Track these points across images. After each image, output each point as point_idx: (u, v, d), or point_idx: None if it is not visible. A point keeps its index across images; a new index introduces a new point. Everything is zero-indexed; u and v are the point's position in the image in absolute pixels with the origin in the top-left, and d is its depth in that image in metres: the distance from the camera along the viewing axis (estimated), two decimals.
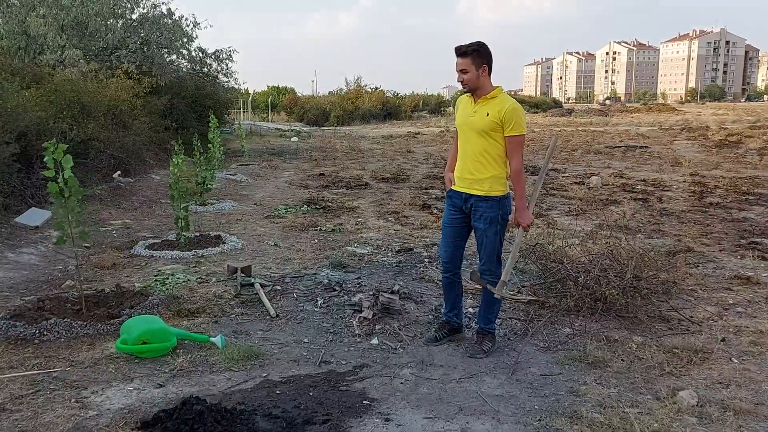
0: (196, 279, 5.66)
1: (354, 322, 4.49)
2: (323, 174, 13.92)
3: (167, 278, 5.66)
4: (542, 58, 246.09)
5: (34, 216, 7.68)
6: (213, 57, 20.73)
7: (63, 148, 4.54)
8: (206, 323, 4.51)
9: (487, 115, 3.80)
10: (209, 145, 13.22)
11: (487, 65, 3.83)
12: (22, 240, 6.93)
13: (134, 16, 15.26)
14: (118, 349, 3.83)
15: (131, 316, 4.44)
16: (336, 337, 4.28)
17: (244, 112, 47.46)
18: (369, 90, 54.53)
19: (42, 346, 4.03)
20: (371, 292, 4.87)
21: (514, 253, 3.90)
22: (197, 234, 7.50)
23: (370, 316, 4.49)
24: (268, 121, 45.01)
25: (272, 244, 7.15)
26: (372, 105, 48.80)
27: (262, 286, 5.41)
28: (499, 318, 4.33)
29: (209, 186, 9.83)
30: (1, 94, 7.47)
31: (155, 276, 5.75)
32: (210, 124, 13.06)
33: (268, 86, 62.66)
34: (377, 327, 4.40)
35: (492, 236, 3.91)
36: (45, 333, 4.16)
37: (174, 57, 16.11)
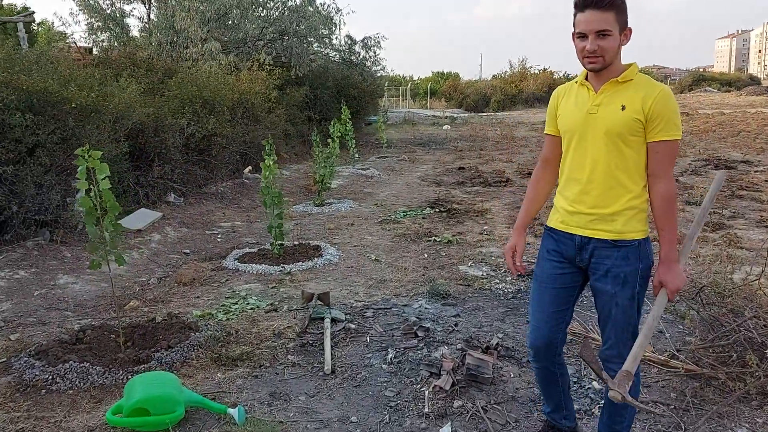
0: (267, 305, 4.81)
1: (426, 393, 3.31)
2: (463, 168, 12.68)
3: (235, 303, 4.87)
4: (738, 30, 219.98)
5: (140, 218, 7.39)
6: (361, 44, 20.22)
7: (97, 155, 3.83)
8: (244, 376, 3.59)
9: (623, 108, 2.36)
10: (346, 137, 12.60)
11: (629, 29, 2.43)
12: (119, 245, 6.58)
13: (274, 5, 15.04)
14: (108, 422, 3.02)
15: (158, 363, 3.67)
16: (396, 416, 3.15)
17: (403, 99, 47.30)
18: (535, 72, 51.56)
19: (46, 398, 3.36)
20: (459, 346, 3.66)
21: (648, 329, 2.46)
22: (296, 243, 6.72)
23: (448, 387, 3.29)
24: (426, 108, 44.29)
25: (373, 258, 6.14)
26: (537, 87, 45.98)
27: (334, 321, 4.42)
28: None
29: (327, 185, 9.07)
30: (108, 91, 7.22)
31: (226, 298, 5.00)
32: (342, 115, 12.40)
33: (432, 72, 61.93)
34: (456, 404, 3.19)
35: (626, 304, 2.47)
36: (57, 380, 3.51)
37: (316, 46, 15.70)
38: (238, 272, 5.80)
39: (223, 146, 9.80)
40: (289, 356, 3.86)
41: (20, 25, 11.14)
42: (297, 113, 14.42)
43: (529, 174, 11.41)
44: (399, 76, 56.67)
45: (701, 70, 79.32)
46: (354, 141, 12.65)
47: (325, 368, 3.62)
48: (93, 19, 14.61)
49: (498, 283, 5.25)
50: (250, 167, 11.34)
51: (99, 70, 10.34)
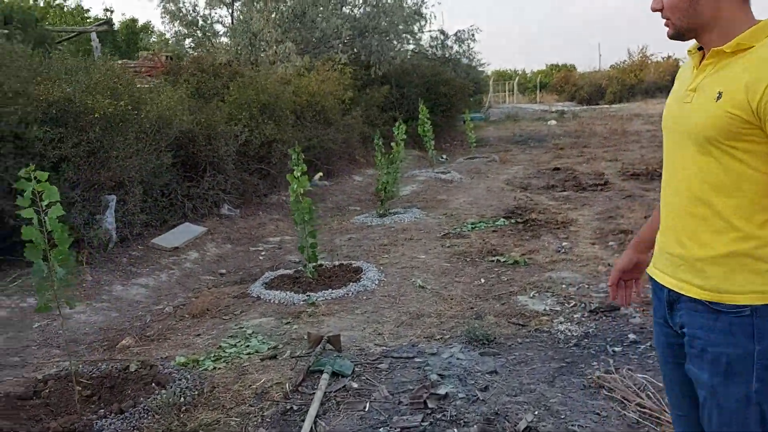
0: (269, 349, 3.99)
1: None
2: (558, 169, 11.30)
3: (234, 345, 4.09)
4: None
5: (180, 234, 6.86)
6: (454, 38, 19.14)
7: (44, 176, 3.17)
8: None
9: (718, 96, 1.40)
10: (424, 138, 11.64)
11: None
12: (146, 266, 6.07)
13: (354, 2, 14.34)
14: None
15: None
16: None
17: (510, 94, 45.41)
18: (658, 60, 47.67)
19: None
20: (475, 428, 2.63)
21: None
22: (336, 263, 5.88)
23: None
24: (535, 103, 42.16)
25: (418, 284, 5.16)
26: (658, 76, 42.37)
27: (336, 376, 3.51)
28: None
29: (391, 193, 8.17)
30: (141, 99, 6.74)
31: (228, 337, 4.24)
32: (420, 114, 11.44)
33: (546, 65, 58.92)
34: None
35: (732, 408, 1.46)
36: None
37: (398, 43, 14.84)
38: (258, 301, 5.04)
39: (284, 153, 9.16)
40: (259, 430, 2.99)
41: (93, 35, 11.20)
42: (377, 114, 13.63)
43: (634, 175, 9.89)
44: (509, 70, 54.63)
45: None
46: (433, 142, 11.63)
47: None
48: (178, 26, 14.64)
49: (561, 323, 4.10)
50: (320, 174, 10.68)
51: (165, 77, 10.11)
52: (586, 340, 3.81)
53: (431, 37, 18.94)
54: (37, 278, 3.25)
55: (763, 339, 1.40)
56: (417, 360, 3.69)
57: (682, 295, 1.52)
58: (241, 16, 13.62)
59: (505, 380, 3.34)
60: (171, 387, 3.38)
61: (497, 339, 3.88)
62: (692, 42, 1.54)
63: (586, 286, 4.81)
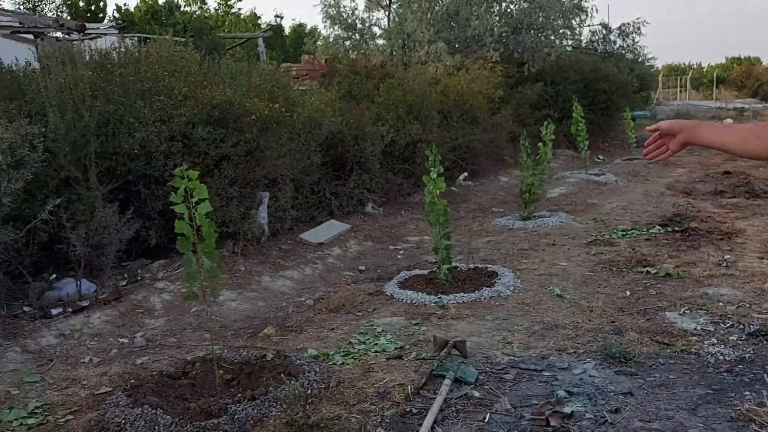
0: (395, 349, 4.04)
1: None
2: (729, 173, 10.26)
3: (363, 342, 4.19)
4: None
5: (326, 230, 7.16)
6: (617, 32, 18.07)
7: (194, 175, 3.46)
8: None
9: None
10: (577, 138, 11.13)
11: None
12: (293, 260, 6.41)
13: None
14: None
15: (230, 419, 3.15)
16: None
17: (682, 90, 41.98)
18: None
19: None
20: None
21: None
22: (472, 266, 5.80)
23: None
24: (711, 100, 38.59)
25: (556, 293, 4.94)
26: None
27: (458, 382, 3.46)
28: None
29: (536, 195, 7.89)
30: (294, 101, 7.12)
31: (358, 334, 4.35)
32: (573, 113, 10.94)
33: (726, 58, 53.63)
34: None
35: None
36: (127, 426, 3.19)
37: (553, 38, 14.26)
38: (391, 300, 5.12)
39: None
40: (377, 430, 3.03)
41: (260, 41, 12.01)
42: (529, 112, 13.24)
43: None
44: (682, 64, 50.52)
45: None
46: (587, 142, 11.06)
47: None
48: (338, 29, 15.25)
49: (713, 345, 3.71)
50: (465, 174, 10.61)
51: (321, 80, 10.61)
52: (740, 366, 3.41)
53: (591, 31, 18.02)
54: (186, 268, 3.56)
55: None
56: (545, 373, 3.53)
57: None
58: (396, 18, 13.90)
59: (640, 403, 3.09)
60: (300, 379, 3.53)
61: (637, 357, 3.60)
62: None
63: (747, 305, 4.31)
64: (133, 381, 3.69)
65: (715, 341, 3.77)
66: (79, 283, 5.03)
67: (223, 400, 3.38)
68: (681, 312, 4.31)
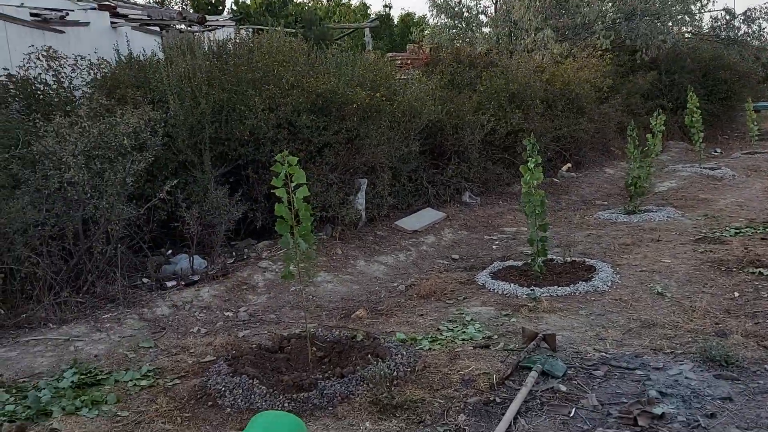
0: (483, 338, 4.07)
1: None
2: None
3: (452, 329, 4.25)
4: None
5: (421, 218, 7.25)
6: (742, 18, 16.78)
7: (294, 160, 3.66)
8: (395, 431, 2.99)
9: None
10: (692, 129, 10.51)
11: None
12: (388, 246, 6.55)
13: None
14: None
15: (319, 393, 3.33)
16: None
17: None
18: None
19: (205, 413, 3.30)
20: None
21: None
22: (568, 260, 5.69)
23: None
24: None
25: (657, 290, 4.76)
26: None
27: (545, 375, 3.45)
28: None
29: (642, 188, 7.56)
30: (394, 91, 7.22)
31: (447, 321, 4.42)
32: (688, 102, 10.33)
33: None
34: None
35: None
36: (226, 394, 3.45)
37: (670, 24, 13.46)
38: (483, 290, 5.13)
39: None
40: (460, 416, 3.10)
41: (366, 30, 12.21)
42: (640, 102, 12.63)
43: None
44: None
45: None
46: (702, 134, 10.40)
47: None
48: (444, 18, 15.20)
49: None
50: (569, 164, 10.32)
51: (425, 69, 10.66)
52: None
53: (713, 17, 16.84)
54: (284, 249, 3.76)
55: None
56: (638, 372, 3.44)
57: None
58: (503, 5, 13.66)
59: (739, 409, 2.95)
60: (387, 360, 3.65)
61: (740, 362, 3.43)
62: None
63: None
64: (234, 352, 3.96)
65: None
66: (191, 258, 5.42)
67: (314, 375, 3.56)
68: None
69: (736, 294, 4.58)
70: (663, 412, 2.91)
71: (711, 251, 5.69)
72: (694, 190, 8.82)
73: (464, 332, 4.19)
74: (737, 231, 6.31)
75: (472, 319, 4.42)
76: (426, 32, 17.27)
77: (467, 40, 14.36)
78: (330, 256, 6.17)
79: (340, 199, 6.61)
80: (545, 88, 9.72)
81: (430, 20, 16.55)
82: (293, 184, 3.65)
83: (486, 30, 14.90)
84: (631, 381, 3.35)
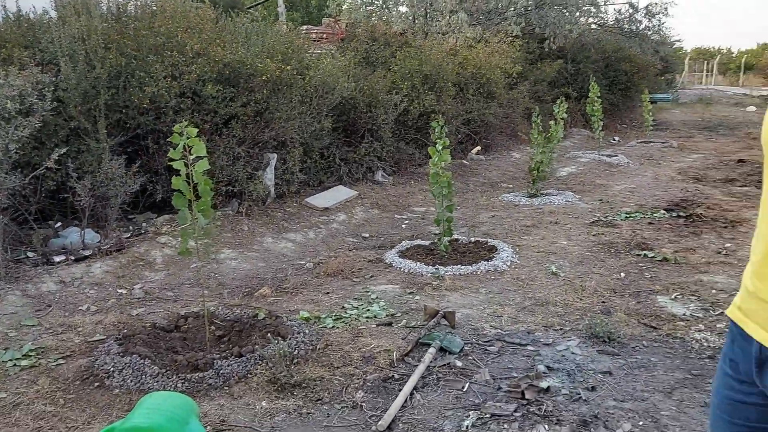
0: (386, 316, 4.10)
1: None
2: (743, 161, 10.12)
3: (356, 307, 4.26)
4: None
5: (332, 196, 7.21)
6: (644, 12, 17.67)
7: (193, 132, 3.49)
8: (290, 411, 2.96)
9: None
10: (592, 118, 11.01)
11: None
12: (297, 223, 6.47)
13: None
14: None
15: (215, 373, 3.24)
16: None
17: (708, 75, 41.15)
18: None
19: (91, 394, 3.14)
20: (567, 430, 2.52)
21: None
22: (472, 240, 5.83)
23: None
24: (737, 86, 37.79)
25: (552, 270, 4.96)
26: None
27: (444, 351, 3.53)
28: None
29: (544, 173, 7.86)
30: (306, 65, 7.10)
31: (353, 299, 4.43)
32: (590, 92, 10.80)
33: (757, 44, 52.13)
34: None
35: None
36: (115, 374, 3.29)
37: (578, 14, 13.99)
38: (390, 268, 5.17)
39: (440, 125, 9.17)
40: (358, 393, 3.11)
41: (280, 1, 11.89)
42: (547, 90, 13.09)
43: None
44: (711, 48, 49.48)
45: None
46: (602, 123, 10.93)
47: (379, 423, 2.80)
48: None
49: (699, 331, 3.73)
50: (479, 147, 10.56)
51: (339, 45, 10.53)
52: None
53: (617, 10, 17.65)
54: (181, 225, 3.62)
55: None
56: (529, 348, 3.58)
57: None
58: None
59: (617, 383, 3.13)
60: (289, 339, 3.61)
61: (621, 339, 3.64)
62: None
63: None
64: (126, 331, 3.79)
65: (702, 327, 3.79)
66: (83, 232, 5.13)
67: (211, 354, 3.47)
68: (672, 297, 4.33)
69: (623, 275, 4.85)
70: (548, 386, 3.04)
71: (603, 234, 6.00)
72: (592, 176, 9.27)
73: (369, 310, 4.21)
74: (627, 215, 6.68)
75: (377, 297, 4.45)
76: (344, 7, 17.08)
77: (384, 18, 14.31)
78: (235, 232, 6.02)
79: (248, 174, 6.45)
80: (458, 71, 9.86)
81: None
82: (193, 157, 3.51)
83: (403, 9, 14.90)
84: (522, 356, 3.48)
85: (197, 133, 3.45)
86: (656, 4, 17.38)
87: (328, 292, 4.65)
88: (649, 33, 17.70)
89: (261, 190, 6.49)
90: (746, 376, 1.34)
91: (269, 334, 3.65)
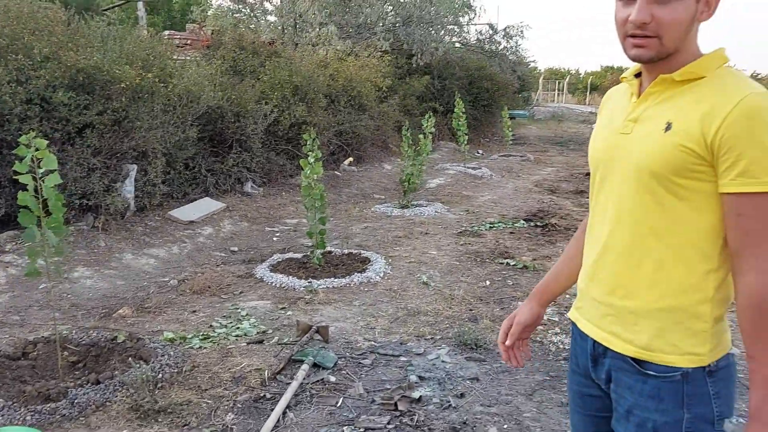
0: (257, 333, 3.98)
1: None
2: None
3: (225, 325, 4.10)
4: None
5: (198, 208, 6.93)
6: (503, 34, 18.79)
7: (42, 143, 3.19)
8: None
9: (667, 128, 1.27)
10: (458, 132, 11.50)
11: None
12: (160, 238, 6.15)
13: None
14: None
15: (69, 403, 2.97)
16: None
17: (560, 94, 44.54)
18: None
19: None
20: None
21: None
22: (346, 252, 5.85)
23: None
24: (584, 105, 41.25)
25: (423, 280, 5.09)
26: None
27: (318, 366, 3.48)
28: None
29: (414, 185, 8.08)
30: (170, 72, 6.80)
31: (222, 317, 4.26)
32: (456, 107, 11.29)
33: (600, 66, 57.39)
34: None
35: None
36: None
37: (442, 33, 14.61)
38: (260, 283, 5.05)
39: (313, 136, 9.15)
40: (228, 415, 2.98)
41: (140, 4, 11.34)
42: (415, 104, 13.50)
43: None
44: (562, 69, 53.67)
45: None
46: (467, 137, 11.46)
47: None
48: (228, 1, 14.70)
49: (556, 334, 3.98)
50: (351, 159, 10.65)
51: (205, 52, 10.19)
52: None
53: (478, 30, 18.65)
54: (29, 243, 3.30)
55: (693, 407, 1.31)
56: (402, 359, 3.63)
57: (609, 349, 1.40)
58: None
59: (484, 388, 3.25)
60: (152, 362, 3.40)
61: (487, 345, 3.79)
62: (634, 66, 1.43)
63: None
64: None
65: (558, 331, 4.05)
66: None
67: (64, 383, 3.19)
68: None
69: (488, 282, 5.08)
70: (420, 396, 3.10)
71: (469, 243, 6.26)
72: (459, 188, 9.66)
73: (239, 328, 4.07)
74: (491, 225, 7.03)
75: (247, 314, 4.31)
76: (209, 13, 16.58)
77: (252, 26, 14.07)
78: (91, 248, 5.61)
79: (105, 186, 6.04)
80: (329, 83, 9.90)
81: (213, 1, 15.91)
82: (41, 170, 3.22)
83: (272, 18, 14.73)
84: (395, 367, 3.52)
85: (47, 144, 3.17)
86: (513, 27, 18.56)
87: (194, 311, 4.44)
88: (507, 53, 18.82)
89: (119, 203, 6.11)
90: (584, 370, 1.49)
91: (130, 358, 3.42)
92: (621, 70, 53.13)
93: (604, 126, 1.47)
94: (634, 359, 1.35)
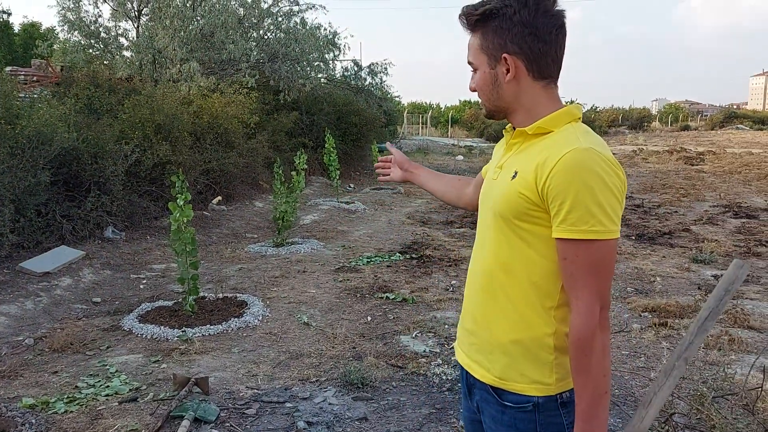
0: (129, 390, 3.71)
1: None
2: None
3: (93, 385, 3.78)
4: None
5: (54, 258, 6.38)
6: (367, 70, 19.31)
7: None
8: None
9: (514, 175, 1.42)
10: (329, 167, 11.57)
11: (525, 56, 1.40)
12: (10, 292, 5.58)
13: (266, 27, 14.16)
14: None
15: None
16: None
17: (423, 127, 46.40)
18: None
19: None
20: None
21: None
22: (220, 296, 5.64)
23: None
24: (447, 137, 43.23)
25: (304, 320, 5.02)
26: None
27: (199, 421, 3.30)
28: None
29: (289, 222, 8.00)
30: (17, 113, 6.28)
31: (88, 376, 3.92)
32: (326, 143, 11.39)
33: (459, 101, 60.57)
34: None
35: None
36: None
37: (309, 71, 14.76)
38: (129, 335, 4.73)
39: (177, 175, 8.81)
40: None
41: None
42: (285, 140, 13.45)
43: None
44: (425, 103, 56.01)
45: (735, 107, 75.58)
46: (339, 172, 11.58)
47: None
48: (78, 36, 13.91)
49: (438, 365, 4.08)
50: (219, 198, 10.34)
51: (55, 89, 9.53)
52: (459, 385, 3.79)
53: (344, 67, 19.06)
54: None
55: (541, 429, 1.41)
56: (288, 405, 3.54)
57: (475, 378, 1.52)
58: (146, 32, 13.14)
59: (373, 428, 3.25)
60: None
61: (373, 382, 3.80)
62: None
63: None
64: None
65: (440, 362, 4.15)
66: None
67: None
68: (413, 335, 4.68)
69: (369, 318, 5.11)
70: None
71: (348, 279, 6.28)
72: (333, 223, 9.69)
73: (108, 386, 3.77)
74: (369, 260, 7.11)
75: (117, 371, 4.01)
76: (56, 47, 15.58)
77: (106, 62, 13.40)
78: None
79: None
80: (193, 120, 9.61)
81: (61, 35, 15.02)
82: None
83: (128, 54, 14.12)
84: (281, 415, 3.42)
85: None
86: (377, 64, 19.14)
87: (55, 371, 4.06)
88: (373, 89, 19.34)
89: None
90: (465, 397, 1.61)
91: None
92: (477, 104, 56.64)
93: (489, 169, 1.60)
94: (493, 388, 1.46)
